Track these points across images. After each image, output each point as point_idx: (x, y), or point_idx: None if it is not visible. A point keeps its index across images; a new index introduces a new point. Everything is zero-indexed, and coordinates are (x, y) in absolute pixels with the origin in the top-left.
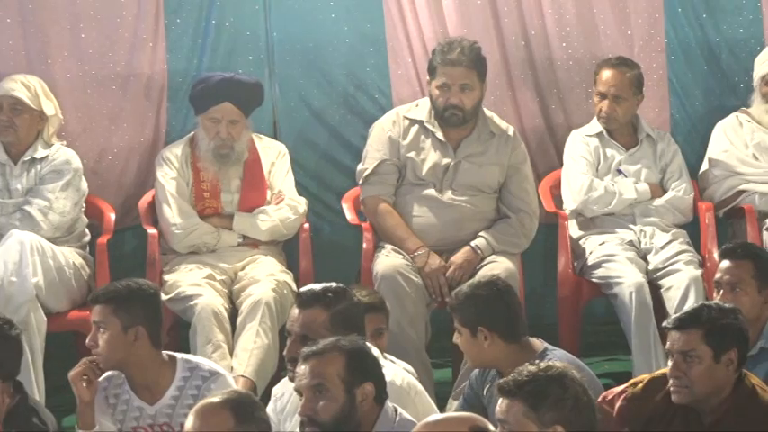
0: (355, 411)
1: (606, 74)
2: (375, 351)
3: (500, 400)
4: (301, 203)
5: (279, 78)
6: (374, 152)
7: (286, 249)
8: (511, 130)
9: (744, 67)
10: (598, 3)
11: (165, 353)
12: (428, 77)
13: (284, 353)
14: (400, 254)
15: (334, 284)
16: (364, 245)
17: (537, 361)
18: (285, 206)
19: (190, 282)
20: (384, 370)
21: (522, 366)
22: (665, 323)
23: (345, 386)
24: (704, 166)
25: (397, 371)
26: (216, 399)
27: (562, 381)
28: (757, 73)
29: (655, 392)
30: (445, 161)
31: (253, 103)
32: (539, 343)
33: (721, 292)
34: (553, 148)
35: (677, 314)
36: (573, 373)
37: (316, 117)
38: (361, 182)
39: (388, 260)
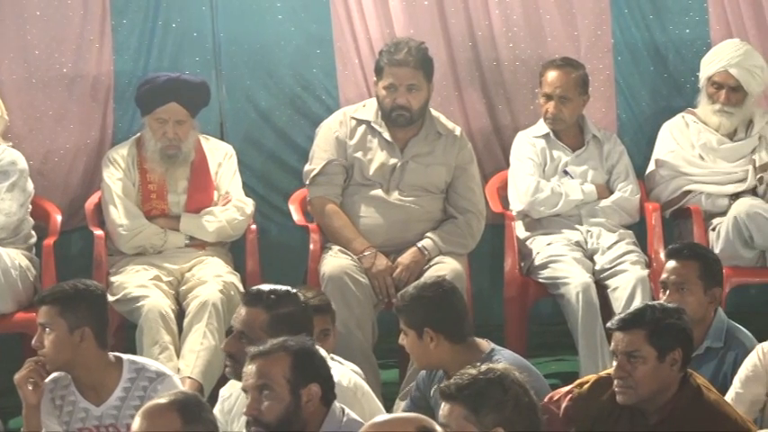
0: (300, 412)
1: (552, 75)
2: (322, 352)
3: (442, 404)
4: (248, 204)
5: (225, 79)
6: (321, 152)
7: (233, 250)
8: (458, 131)
9: (690, 68)
10: (544, 4)
11: (111, 354)
12: (375, 78)
13: (222, 347)
14: (347, 254)
15: (282, 287)
16: (311, 246)
17: (478, 363)
18: (232, 207)
19: (136, 283)
20: (331, 371)
21: (463, 369)
22: (609, 324)
23: (291, 387)
24: (651, 167)
25: (344, 371)
26: (162, 400)
27: (502, 383)
28: (704, 74)
29: (601, 393)
30: (392, 161)
31: (199, 102)
32: (485, 344)
33: (668, 292)
34: (500, 148)
35: (621, 315)
36: (514, 375)
37: (262, 118)
38: (308, 182)
39: (334, 261)
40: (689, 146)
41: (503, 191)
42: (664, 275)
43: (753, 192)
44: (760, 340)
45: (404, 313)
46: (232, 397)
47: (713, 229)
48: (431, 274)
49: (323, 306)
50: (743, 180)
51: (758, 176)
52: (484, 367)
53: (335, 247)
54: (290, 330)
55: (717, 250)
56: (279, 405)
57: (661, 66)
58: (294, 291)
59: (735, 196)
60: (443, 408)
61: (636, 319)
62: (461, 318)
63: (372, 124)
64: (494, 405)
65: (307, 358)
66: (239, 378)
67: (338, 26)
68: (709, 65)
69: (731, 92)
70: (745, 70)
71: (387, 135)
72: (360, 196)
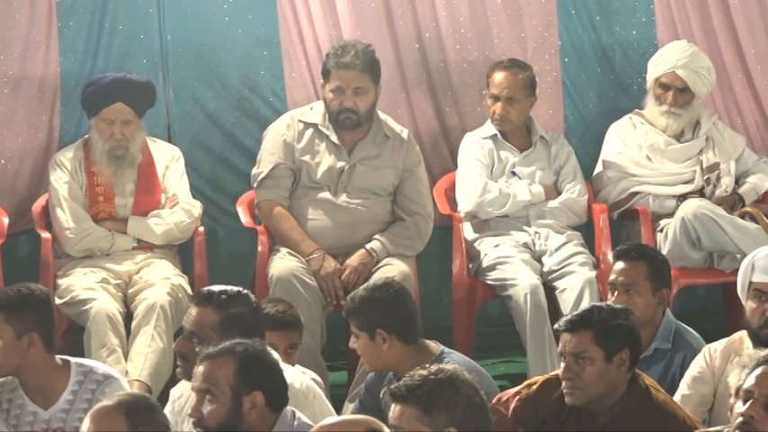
0: (242, 419)
1: (499, 76)
2: (274, 354)
3: (392, 406)
4: (196, 207)
5: (173, 81)
6: (269, 155)
7: (181, 253)
8: (405, 133)
9: (637, 69)
10: (491, 5)
11: (58, 357)
12: (322, 81)
13: (173, 347)
14: (295, 257)
15: (233, 288)
16: (259, 248)
17: (428, 365)
18: (180, 209)
19: (84, 286)
20: (283, 374)
21: (413, 371)
22: (556, 326)
23: (233, 393)
24: (598, 168)
25: (296, 374)
26: (110, 402)
27: (453, 383)
28: (651, 75)
29: (549, 394)
30: (340, 164)
31: (145, 102)
32: (435, 345)
33: (616, 293)
34: (447, 150)
35: (568, 316)
36: (464, 375)
37: (210, 120)
38: (255, 185)
39: (283, 263)
40: (636, 147)
41: (450, 192)
42: (612, 277)
43: (700, 193)
44: (708, 341)
45: (355, 316)
46: (182, 397)
47: (661, 231)
48: (379, 276)
49: (291, 321)
50: (690, 181)
51: (705, 177)
52: (434, 368)
53: (284, 250)
54: (242, 331)
55: (664, 251)
56: (220, 410)
57: (608, 67)
58: (245, 291)
59: (682, 197)
60: (394, 409)
61: (583, 321)
62: (413, 318)
63: (320, 127)
64: (446, 405)
65: (253, 365)
66: (190, 378)
67: (285, 28)
68: (657, 66)
69: (678, 93)
70: (693, 71)
71: (334, 138)
72: (308, 199)
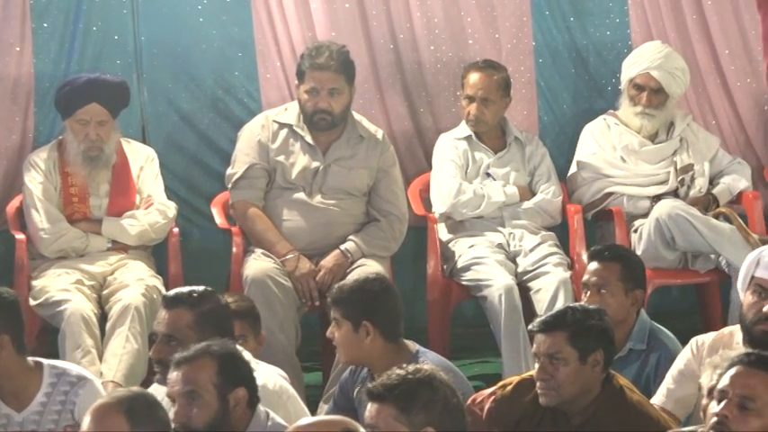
0: (228, 417)
1: (474, 77)
2: (247, 355)
3: (369, 405)
4: (170, 208)
5: (147, 82)
6: (243, 156)
7: (155, 254)
8: (380, 134)
9: (611, 70)
10: (466, 6)
11: (31, 359)
12: (297, 82)
13: (150, 354)
14: (270, 258)
15: (200, 287)
16: (234, 249)
17: (405, 364)
18: (154, 210)
19: (58, 287)
20: (256, 373)
21: (389, 370)
22: (530, 326)
23: (218, 392)
24: (572, 169)
25: (269, 374)
26: (110, 400)
27: (431, 383)
28: (625, 76)
29: (524, 394)
30: (314, 165)
31: (120, 103)
32: (411, 345)
33: (588, 293)
34: (422, 151)
35: (542, 317)
36: (441, 375)
37: (184, 121)
38: (230, 186)
39: (257, 264)
40: (610, 148)
41: (425, 193)
42: (585, 277)
43: (674, 193)
44: (682, 341)
45: (342, 304)
46: None
47: (635, 231)
48: (354, 276)
49: (240, 311)
50: (664, 182)
51: (679, 178)
52: (411, 367)
53: (258, 251)
54: (216, 328)
55: (639, 252)
56: (208, 411)
57: (582, 68)
58: (211, 289)
59: (656, 198)
60: (371, 408)
61: (557, 321)
62: (399, 316)
63: (294, 128)
64: (424, 405)
65: (232, 362)
66: None
67: (260, 29)
68: (631, 67)
69: (653, 94)
70: (667, 72)
71: (309, 138)
72: (282, 200)
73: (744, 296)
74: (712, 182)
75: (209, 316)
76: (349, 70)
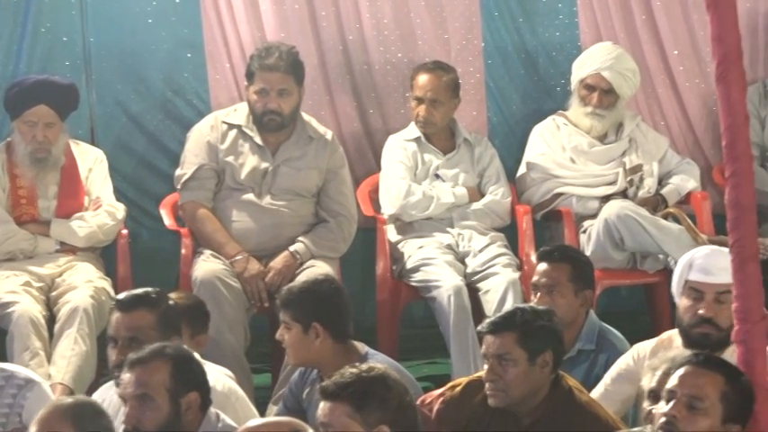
0: (180, 420)
1: (423, 78)
2: (197, 356)
3: (322, 403)
4: (119, 209)
5: (96, 84)
6: (192, 157)
7: (104, 256)
8: (329, 135)
9: (560, 71)
10: (415, 7)
11: None
12: (246, 83)
13: (112, 360)
14: (219, 259)
15: (151, 288)
16: (183, 250)
17: (357, 364)
18: (103, 212)
19: (6, 289)
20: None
21: (342, 369)
22: (479, 327)
23: (170, 396)
24: (522, 170)
25: (218, 376)
26: (55, 407)
27: (385, 381)
28: (576, 76)
29: (473, 395)
30: (264, 166)
31: (68, 105)
32: (360, 346)
33: (538, 294)
34: (371, 152)
35: (491, 318)
36: (394, 374)
37: (133, 122)
38: (179, 187)
39: (206, 265)
40: (559, 148)
41: (374, 194)
42: (534, 278)
43: (623, 194)
44: (631, 342)
45: (291, 306)
46: (105, 402)
47: (584, 232)
48: (303, 277)
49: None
50: (613, 183)
51: (628, 179)
52: (364, 366)
53: (207, 252)
54: (171, 329)
55: (588, 252)
56: (159, 414)
57: (531, 69)
58: (162, 291)
59: (605, 198)
60: (324, 407)
61: (506, 322)
62: (348, 317)
63: (244, 128)
64: (377, 403)
65: (185, 366)
66: None
67: (209, 30)
68: (582, 67)
69: (603, 94)
70: (618, 73)
71: (258, 139)
72: (231, 201)
73: (679, 300)
74: (661, 182)
75: (168, 315)
76: (298, 71)
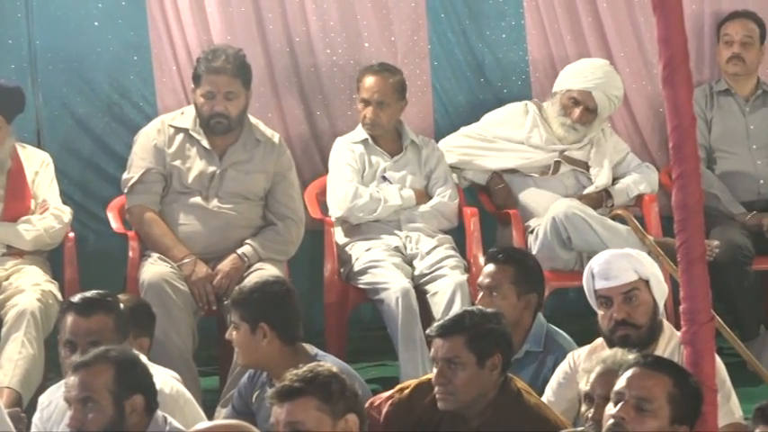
0: (124, 423)
1: (369, 80)
2: (144, 359)
3: (284, 404)
4: (66, 212)
5: (42, 87)
6: (139, 161)
7: (51, 259)
8: (276, 138)
9: (507, 73)
10: (361, 10)
11: None
12: (193, 86)
13: (73, 364)
14: (166, 262)
15: (103, 291)
16: (130, 253)
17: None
18: (50, 215)
19: None
20: (153, 378)
21: (294, 369)
22: (428, 331)
23: (114, 399)
24: (468, 128)
25: (166, 379)
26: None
27: (339, 376)
28: (564, 84)
29: (421, 398)
30: (211, 169)
31: (14, 108)
32: (309, 348)
33: (481, 294)
34: (318, 154)
35: (439, 321)
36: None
37: (80, 125)
38: (126, 191)
39: (154, 268)
40: (517, 126)
41: (322, 197)
42: (479, 279)
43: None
44: (579, 343)
45: (241, 306)
46: (51, 405)
47: (531, 232)
48: (253, 279)
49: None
50: (545, 171)
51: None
52: (314, 364)
53: (154, 255)
54: (125, 331)
55: (534, 251)
56: (102, 417)
57: (478, 71)
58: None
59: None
60: (289, 407)
61: (455, 326)
62: (297, 319)
63: (191, 132)
64: (341, 394)
65: (130, 368)
66: None
67: (155, 33)
68: (574, 78)
69: (586, 112)
70: (606, 96)
71: (205, 143)
72: (179, 204)
73: (597, 310)
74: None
75: (123, 318)
76: (245, 74)
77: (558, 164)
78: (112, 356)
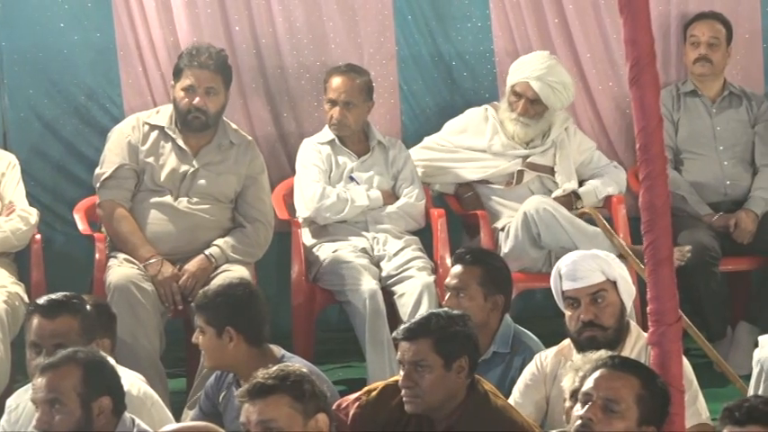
0: (91, 425)
1: (336, 81)
2: (111, 361)
3: (257, 403)
4: (32, 214)
5: (9, 89)
6: (113, 156)
7: (18, 260)
8: (250, 141)
9: (474, 74)
10: (328, 11)
11: None
12: (173, 81)
13: (33, 367)
14: (133, 263)
15: (69, 293)
16: (97, 255)
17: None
18: (16, 217)
19: None
20: (121, 380)
21: (263, 369)
22: (394, 334)
23: (81, 400)
24: (434, 137)
25: (133, 381)
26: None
27: (310, 376)
28: (508, 80)
29: (389, 399)
30: (184, 168)
31: None
32: (276, 350)
33: (448, 295)
34: (285, 155)
35: (406, 324)
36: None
37: (47, 127)
38: (98, 185)
39: (120, 270)
40: (480, 133)
41: (289, 198)
42: (447, 280)
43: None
44: (546, 345)
45: (205, 310)
46: (19, 408)
47: (502, 230)
48: (218, 281)
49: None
50: (510, 181)
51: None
52: (283, 365)
53: (121, 256)
54: (91, 333)
55: (505, 250)
56: (70, 419)
57: (444, 72)
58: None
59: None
60: (260, 405)
61: (421, 329)
62: (262, 321)
63: (166, 130)
64: (312, 394)
65: (97, 370)
66: None
67: (121, 34)
68: (514, 73)
69: (530, 104)
70: (546, 85)
71: (180, 141)
72: (149, 203)
73: (564, 311)
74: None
75: (90, 319)
76: (226, 73)
77: (521, 173)
78: (80, 358)
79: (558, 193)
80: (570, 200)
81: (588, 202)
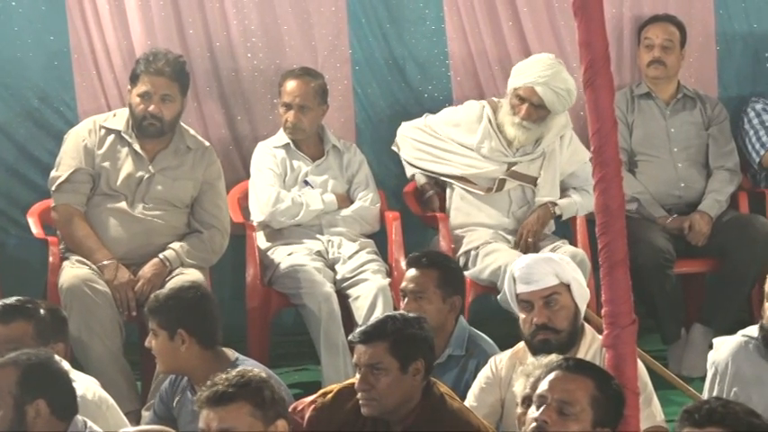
0: (25, 427)
1: (291, 84)
2: (66, 365)
3: (216, 409)
4: None
5: None
6: (69, 159)
7: None
8: (207, 146)
9: (428, 77)
10: (282, 14)
11: None
12: (129, 86)
13: None
14: (86, 264)
15: (23, 297)
16: (50, 258)
17: (229, 370)
18: None
19: None
20: (75, 384)
21: (218, 376)
22: (350, 337)
23: (15, 402)
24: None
25: (88, 385)
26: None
27: (269, 381)
28: (511, 83)
29: (344, 402)
30: (140, 173)
31: None
32: (230, 353)
33: (406, 300)
34: (239, 159)
35: (362, 327)
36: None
37: (0, 131)
38: (53, 189)
39: (73, 272)
40: (468, 131)
41: (243, 201)
42: (403, 284)
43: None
44: (502, 347)
45: (157, 313)
46: None
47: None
48: (172, 284)
49: None
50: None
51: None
52: (241, 369)
53: (73, 258)
54: (47, 336)
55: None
56: (3, 419)
57: (398, 75)
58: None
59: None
60: (219, 411)
61: (377, 332)
62: (215, 323)
63: (123, 134)
64: (272, 400)
65: (35, 373)
66: None
67: (75, 38)
68: (518, 76)
69: (533, 108)
70: (552, 91)
71: (136, 146)
72: (104, 207)
73: (519, 314)
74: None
75: (45, 322)
76: (183, 80)
77: (502, 181)
78: (21, 361)
79: (537, 200)
80: (548, 209)
81: (568, 215)
